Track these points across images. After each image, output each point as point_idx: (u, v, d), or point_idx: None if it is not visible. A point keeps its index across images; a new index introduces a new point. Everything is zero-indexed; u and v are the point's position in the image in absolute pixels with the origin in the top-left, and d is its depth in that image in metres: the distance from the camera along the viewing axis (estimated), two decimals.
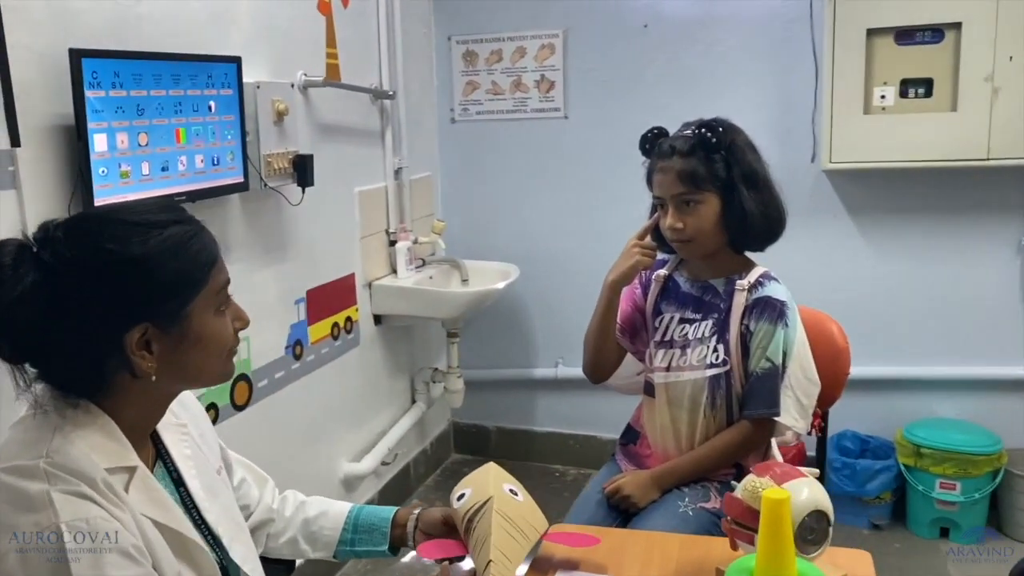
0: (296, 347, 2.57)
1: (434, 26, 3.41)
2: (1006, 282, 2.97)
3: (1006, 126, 2.67)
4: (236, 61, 2.12)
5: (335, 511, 1.44)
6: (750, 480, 1.21)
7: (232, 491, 1.32)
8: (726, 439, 1.75)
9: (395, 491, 3.22)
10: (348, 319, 2.86)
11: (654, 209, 1.83)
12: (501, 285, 3.05)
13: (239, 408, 2.31)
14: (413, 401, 3.37)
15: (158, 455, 1.19)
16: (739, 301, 1.75)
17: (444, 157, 3.53)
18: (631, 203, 3.21)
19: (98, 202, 1.72)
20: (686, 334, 1.79)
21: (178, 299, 1.05)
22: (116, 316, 1.03)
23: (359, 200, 2.89)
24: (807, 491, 1.20)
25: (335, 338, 2.78)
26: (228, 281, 1.14)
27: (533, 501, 1.36)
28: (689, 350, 1.78)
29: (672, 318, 1.83)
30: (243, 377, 2.32)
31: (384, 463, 3.06)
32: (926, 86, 2.77)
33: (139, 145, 1.84)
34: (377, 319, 3.05)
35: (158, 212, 1.11)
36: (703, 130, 1.73)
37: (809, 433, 1.87)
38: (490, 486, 1.31)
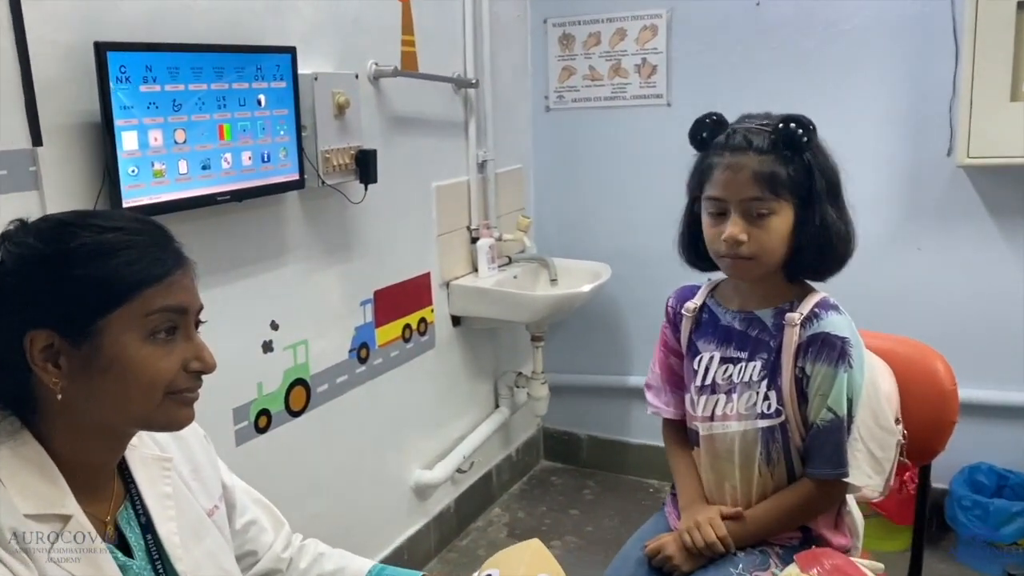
0: (361, 350, 2.45)
1: (529, 8, 3.21)
2: None
3: None
4: (290, 51, 2.00)
5: (354, 570, 1.28)
6: (791, 572, 0.96)
7: (228, 536, 1.19)
8: (788, 500, 1.47)
9: (474, 499, 3.08)
10: (422, 320, 2.72)
11: (689, 214, 1.56)
12: (587, 288, 2.84)
13: (295, 414, 2.21)
14: (496, 406, 3.21)
15: (127, 494, 1.07)
16: (791, 338, 1.45)
17: (537, 148, 3.33)
18: None
19: (127, 203, 1.64)
20: (730, 376, 1.51)
21: (87, 310, 0.93)
22: (20, 315, 0.93)
23: (436, 195, 2.74)
24: None
25: (406, 340, 2.64)
26: (176, 308, 0.98)
27: None
28: (736, 395, 1.50)
29: (712, 358, 1.54)
30: (300, 382, 2.22)
31: (460, 471, 2.91)
32: None
33: (175, 143, 1.74)
34: (456, 320, 2.90)
35: (118, 221, 1.00)
36: (792, 124, 1.42)
37: (902, 488, 1.56)
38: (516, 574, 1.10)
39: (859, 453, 1.42)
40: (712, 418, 1.54)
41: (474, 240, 2.92)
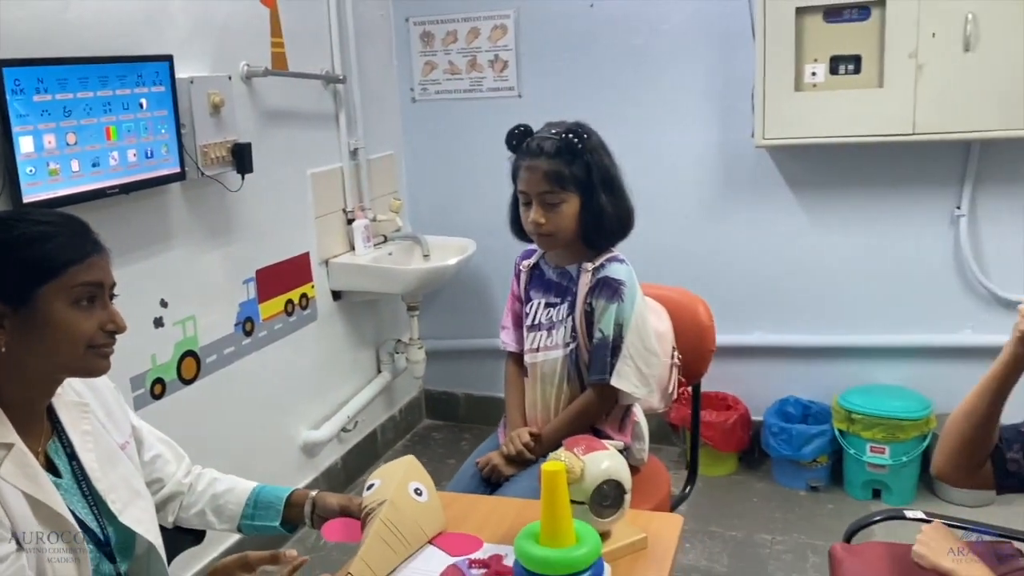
0: (246, 324, 2.74)
1: (391, 8, 3.52)
2: (940, 252, 3.04)
3: (930, 102, 2.73)
4: (167, 59, 2.27)
5: (241, 488, 1.59)
6: (558, 453, 1.35)
7: (138, 464, 1.48)
8: (575, 407, 1.91)
9: (360, 455, 3.41)
10: (304, 296, 3.02)
11: (514, 200, 1.96)
12: (453, 261, 3.19)
13: (187, 382, 2.49)
14: (379, 371, 3.54)
15: (55, 431, 1.36)
16: (584, 281, 1.90)
17: (406, 136, 3.65)
18: None
19: (27, 199, 1.89)
20: (551, 317, 1.94)
21: (26, 283, 1.21)
22: None
23: (312, 181, 3.04)
24: (606, 463, 1.34)
25: (289, 314, 2.95)
26: (95, 283, 1.28)
27: (438, 501, 1.48)
28: (554, 331, 1.93)
29: (539, 303, 1.98)
30: (190, 353, 2.50)
31: (345, 430, 3.24)
32: (855, 63, 2.83)
33: (67, 144, 2.00)
34: (336, 295, 3.21)
35: (46, 216, 1.30)
36: (569, 135, 1.85)
37: (676, 401, 2.00)
38: (393, 485, 1.41)
39: (627, 368, 1.85)
40: (537, 350, 1.96)
41: (350, 221, 3.23)
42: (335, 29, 3.12)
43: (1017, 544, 1.51)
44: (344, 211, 3.24)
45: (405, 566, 1.37)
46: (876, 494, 3.06)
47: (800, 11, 2.82)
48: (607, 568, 1.25)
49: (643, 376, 1.87)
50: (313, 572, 1.41)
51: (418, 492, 1.44)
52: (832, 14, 2.81)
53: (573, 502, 1.26)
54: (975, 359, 3.06)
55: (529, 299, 2.02)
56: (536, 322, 1.98)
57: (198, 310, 2.52)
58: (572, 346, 1.92)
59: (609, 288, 1.87)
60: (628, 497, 1.36)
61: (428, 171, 3.67)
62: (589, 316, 1.89)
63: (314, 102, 3.07)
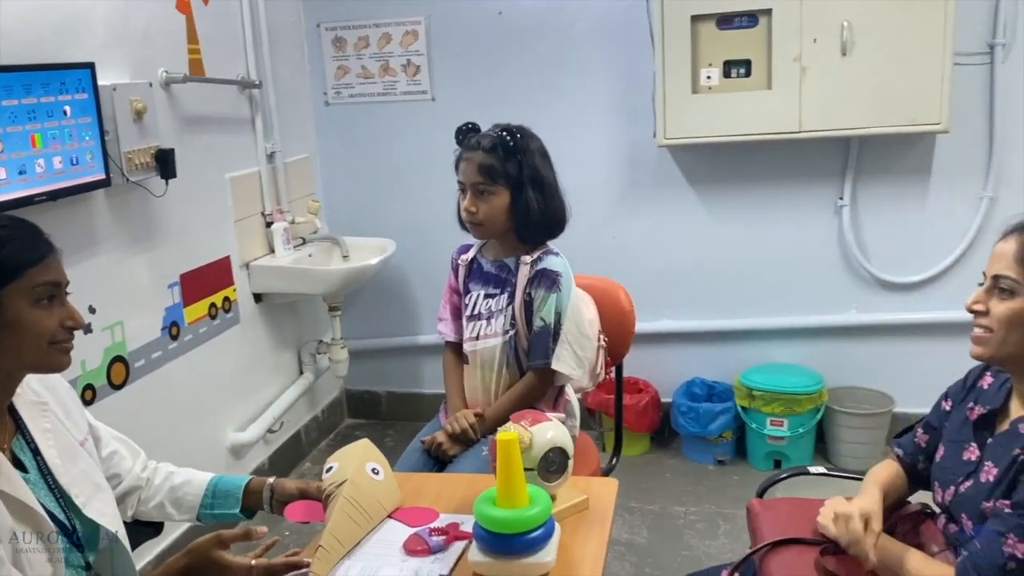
0: (172, 328, 2.76)
1: (303, 14, 3.57)
2: (826, 240, 3.32)
3: (813, 102, 2.99)
4: (89, 67, 2.28)
5: (198, 480, 1.65)
6: (507, 426, 1.48)
7: (97, 460, 1.53)
8: (517, 390, 2.06)
9: (286, 456, 3.45)
10: (226, 299, 3.05)
11: (462, 189, 2.09)
12: (375, 261, 3.28)
13: (117, 387, 2.50)
14: (301, 372, 3.59)
15: (18, 429, 1.40)
16: (524, 273, 2.06)
17: (321, 139, 3.71)
18: None
19: None
20: (490, 307, 2.09)
21: None
22: None
23: (231, 185, 3.07)
24: (551, 433, 1.48)
25: (213, 317, 2.97)
26: (55, 283, 1.33)
27: (394, 479, 1.60)
28: (493, 320, 2.08)
29: (478, 295, 2.12)
30: (119, 358, 2.51)
31: (271, 431, 3.28)
32: (745, 67, 3.06)
33: None
34: (258, 297, 3.25)
35: (5, 219, 1.35)
36: (505, 134, 2.01)
37: (605, 380, 2.16)
38: (352, 466, 1.51)
39: (565, 352, 2.02)
40: (477, 338, 2.10)
41: (269, 224, 3.27)
42: (249, 35, 3.16)
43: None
44: (263, 214, 3.27)
45: (369, 538, 1.47)
46: (777, 464, 3.31)
47: (695, 19, 3.03)
48: (557, 526, 1.39)
49: (579, 359, 2.04)
50: (276, 551, 1.50)
51: (375, 471, 1.54)
52: (724, 22, 3.04)
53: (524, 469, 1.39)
54: (861, 337, 3.39)
55: (468, 291, 2.15)
56: (476, 312, 2.11)
57: (126, 315, 2.53)
58: (511, 333, 2.06)
59: (548, 279, 2.02)
60: (571, 463, 1.50)
61: (343, 173, 3.74)
62: (528, 305, 2.04)
63: (231, 107, 3.11)
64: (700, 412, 3.32)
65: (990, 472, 1.39)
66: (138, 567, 1.61)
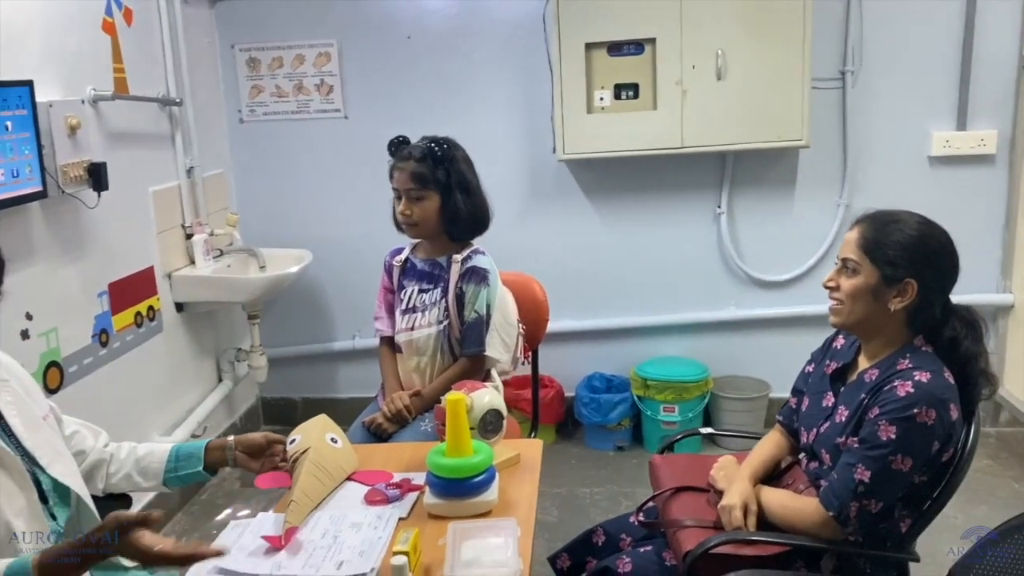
0: (102, 335, 2.86)
1: (217, 36, 3.72)
2: (707, 243, 3.71)
3: (693, 121, 3.37)
4: (28, 84, 2.39)
5: (160, 448, 1.81)
6: (449, 393, 1.72)
7: (59, 434, 1.67)
8: (452, 373, 2.31)
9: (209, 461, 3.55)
10: (150, 308, 3.16)
11: (397, 195, 2.34)
12: (294, 269, 3.45)
13: (52, 391, 2.59)
14: (220, 380, 3.71)
15: None
16: (455, 270, 2.33)
17: (235, 155, 3.85)
18: None
19: None
20: (424, 301, 2.35)
21: None
22: None
23: (154, 199, 3.19)
24: (488, 397, 1.74)
25: (139, 326, 3.08)
26: None
27: (350, 446, 1.82)
28: (427, 312, 2.34)
29: (413, 290, 2.38)
30: (54, 364, 2.60)
31: (194, 436, 3.39)
32: (634, 90, 3.42)
33: None
34: (180, 306, 3.36)
35: None
36: (433, 144, 2.29)
37: (524, 363, 2.44)
38: (313, 436, 1.73)
39: (495, 339, 2.30)
40: (413, 329, 2.35)
41: (189, 236, 3.39)
42: (169, 55, 3.30)
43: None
44: (183, 226, 3.39)
45: (333, 496, 1.69)
46: (671, 448, 3.64)
47: (589, 46, 3.37)
48: (497, 476, 1.64)
49: (505, 344, 2.33)
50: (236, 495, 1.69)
51: (333, 440, 1.77)
52: (614, 49, 3.39)
53: None
54: (740, 329, 3.79)
55: (403, 287, 2.40)
56: (411, 306, 2.37)
57: (60, 322, 2.63)
58: (444, 324, 2.31)
59: (477, 275, 2.31)
60: (505, 423, 1.76)
61: (259, 188, 3.88)
62: (460, 299, 2.30)
63: (153, 124, 3.23)
64: (601, 403, 3.63)
65: (842, 414, 1.72)
66: None
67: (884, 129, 3.51)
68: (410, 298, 2.37)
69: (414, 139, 2.38)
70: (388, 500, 1.64)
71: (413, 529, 1.42)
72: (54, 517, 1.55)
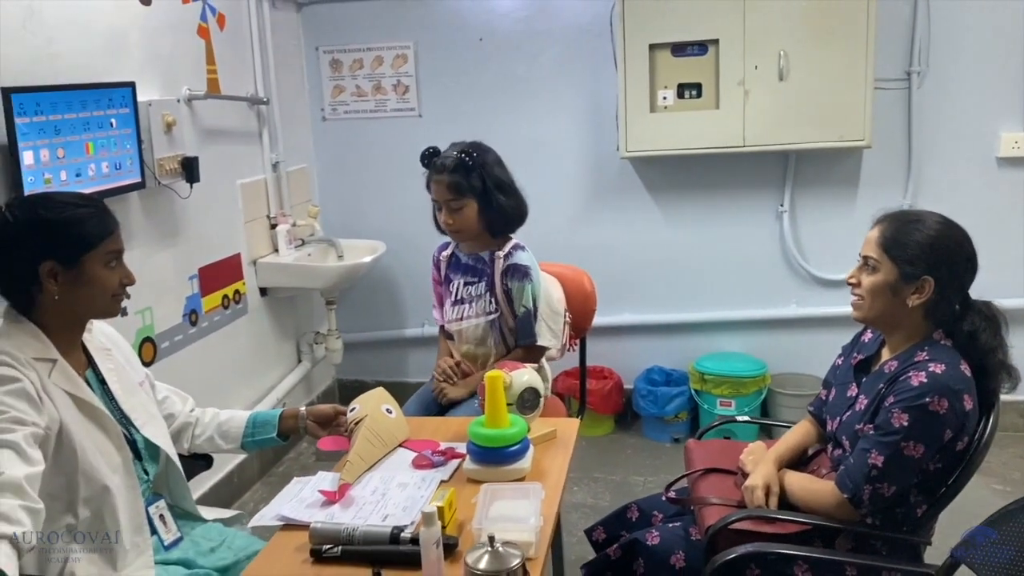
0: (191, 315, 3.13)
1: (303, 38, 3.97)
2: (769, 242, 3.76)
3: (755, 120, 3.43)
4: (130, 86, 2.66)
5: (240, 415, 2.05)
6: (494, 371, 1.87)
7: (153, 399, 1.90)
8: (513, 359, 2.42)
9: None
10: (236, 291, 3.42)
11: (436, 205, 2.51)
12: (368, 259, 3.67)
13: (146, 364, 2.84)
14: (299, 360, 3.96)
15: (89, 364, 1.77)
16: (499, 267, 2.49)
17: (318, 151, 4.10)
18: None
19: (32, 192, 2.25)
20: (470, 292, 2.52)
21: (76, 250, 1.63)
22: (36, 252, 1.61)
23: (241, 191, 3.45)
24: (527, 376, 1.88)
25: (225, 308, 3.34)
26: (120, 250, 1.72)
27: (402, 417, 2.02)
28: (474, 303, 2.52)
29: (459, 283, 2.56)
30: (148, 339, 2.87)
31: None
32: (697, 89, 3.50)
33: (58, 158, 2.37)
34: (263, 291, 3.62)
35: (80, 199, 1.73)
36: (463, 155, 2.44)
37: (571, 350, 2.58)
38: (371, 406, 1.94)
39: (543, 327, 2.46)
40: (462, 319, 2.52)
41: (273, 226, 3.65)
42: (258, 57, 3.55)
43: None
44: (268, 217, 3.65)
45: (385, 460, 1.87)
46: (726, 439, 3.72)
47: (653, 47, 3.47)
48: (531, 448, 1.79)
49: (553, 332, 2.50)
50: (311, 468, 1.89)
51: (388, 411, 1.95)
52: (678, 50, 3.48)
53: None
54: (800, 327, 3.83)
55: (450, 280, 2.57)
56: (459, 297, 2.55)
57: (154, 302, 2.90)
58: (495, 315, 2.49)
59: (519, 272, 2.45)
60: (543, 401, 1.91)
61: (337, 182, 4.12)
62: (508, 295, 2.47)
63: (242, 121, 3.49)
64: (658, 395, 3.73)
65: (862, 403, 1.80)
66: (195, 495, 1.98)
67: (950, 130, 3.50)
68: (457, 290, 2.55)
69: (449, 146, 2.51)
70: (433, 465, 1.81)
71: (450, 489, 1.58)
72: (146, 472, 1.78)
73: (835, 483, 1.75)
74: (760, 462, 1.91)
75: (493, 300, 2.47)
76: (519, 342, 2.48)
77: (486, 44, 3.82)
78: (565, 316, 2.58)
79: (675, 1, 3.39)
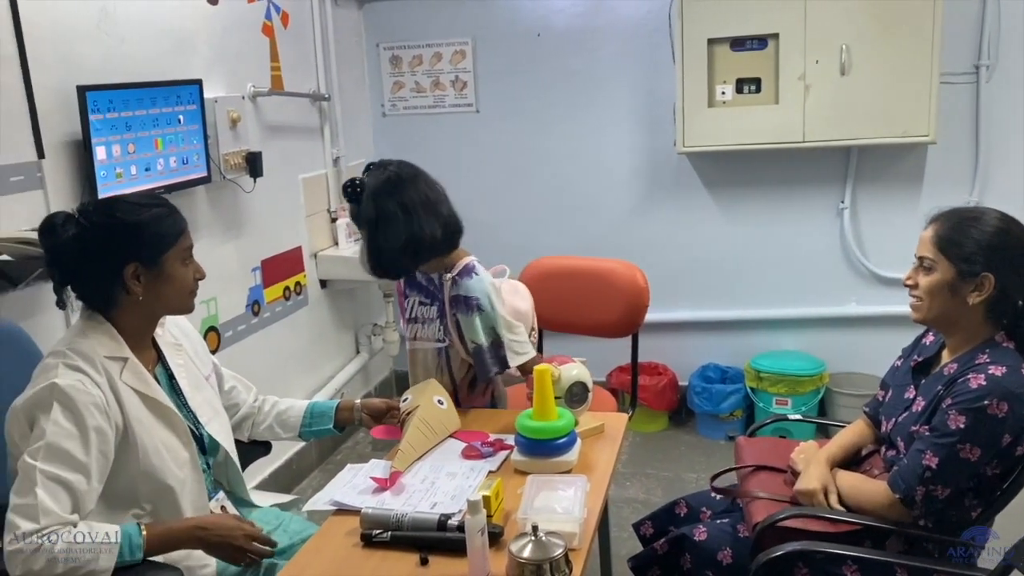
0: (254, 306, 3.22)
1: (364, 35, 4.04)
2: (828, 239, 3.70)
3: (815, 115, 3.38)
4: (198, 83, 2.75)
5: (299, 405, 2.10)
6: (542, 365, 1.89)
7: (218, 393, 1.96)
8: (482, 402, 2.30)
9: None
10: (297, 283, 3.51)
11: None
12: None
13: (211, 353, 2.93)
14: (357, 352, 4.04)
15: (159, 360, 1.84)
16: (447, 292, 2.19)
17: (378, 146, 4.17)
18: (533, 180, 3.96)
19: (101, 197, 2.35)
20: (424, 314, 2.27)
21: (157, 250, 1.68)
22: (120, 255, 1.66)
23: (303, 185, 3.54)
24: (576, 370, 1.90)
25: (287, 299, 3.43)
26: (191, 246, 1.77)
27: (454, 408, 2.03)
28: (427, 325, 2.27)
29: (415, 300, 2.29)
30: (212, 328, 2.97)
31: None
32: (756, 84, 3.46)
33: (128, 153, 2.47)
34: (323, 283, 3.71)
35: (152, 199, 1.77)
36: (347, 186, 2.16)
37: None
38: (423, 397, 1.97)
39: (512, 351, 2.12)
40: (415, 339, 2.30)
41: (334, 220, 3.73)
42: (320, 54, 3.63)
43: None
44: (328, 211, 3.74)
45: (436, 449, 1.91)
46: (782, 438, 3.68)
47: (711, 42, 3.44)
48: (578, 441, 1.81)
49: (520, 345, 2.17)
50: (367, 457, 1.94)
51: (440, 402, 1.98)
52: (737, 44, 3.45)
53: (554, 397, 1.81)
54: (859, 326, 3.76)
55: (407, 296, 2.31)
56: (413, 316, 2.30)
57: (219, 292, 3.00)
58: (444, 344, 2.22)
59: (466, 304, 2.13)
60: (591, 395, 1.92)
61: None
62: (459, 326, 2.17)
63: (304, 117, 3.58)
64: (713, 392, 3.70)
65: (919, 404, 1.77)
66: (255, 481, 2.05)
67: (1021, 125, 3.39)
68: (412, 308, 2.29)
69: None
70: (482, 456, 1.84)
71: (497, 479, 1.61)
72: (207, 466, 1.84)
73: (887, 483, 1.73)
74: (811, 462, 1.90)
75: (442, 327, 2.21)
76: (478, 379, 2.21)
77: (544, 39, 3.83)
78: (531, 335, 2.29)
79: None
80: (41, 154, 2.24)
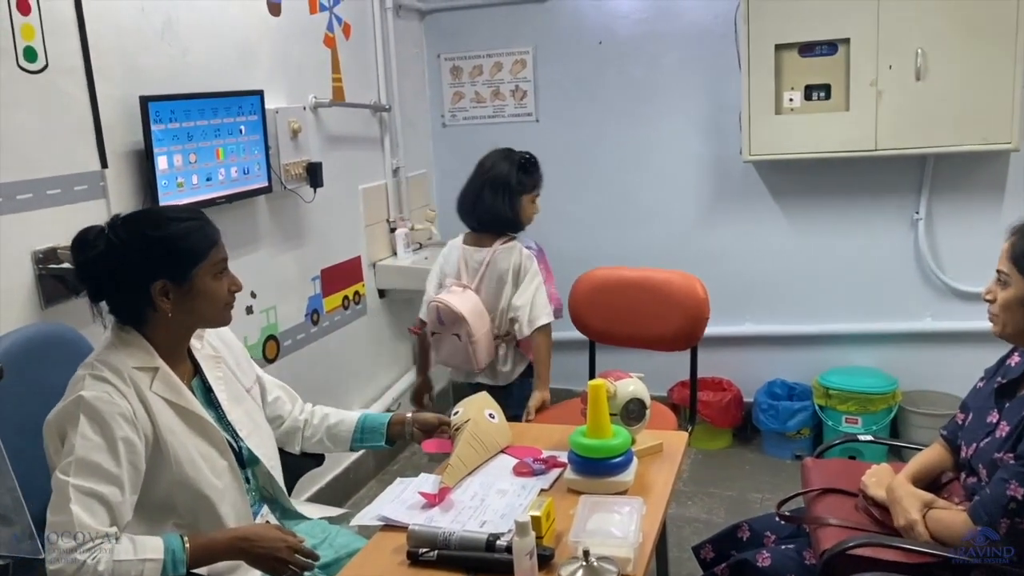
0: (313, 315, 3.23)
1: (425, 46, 4.04)
2: (902, 251, 3.55)
3: (888, 122, 3.24)
4: (259, 94, 2.77)
5: (349, 418, 2.05)
6: (597, 380, 1.83)
7: (260, 405, 1.93)
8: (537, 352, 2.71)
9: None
10: (356, 293, 3.52)
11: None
12: None
13: (270, 361, 2.97)
14: (415, 362, 4.02)
15: (196, 373, 1.81)
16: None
17: (438, 156, 4.16)
18: (592, 190, 3.90)
19: (132, 211, 2.37)
20: None
21: (185, 265, 1.64)
22: (147, 272, 1.62)
23: (363, 195, 3.54)
24: (632, 386, 1.83)
25: (346, 308, 3.44)
26: (225, 259, 1.72)
27: (505, 423, 2.00)
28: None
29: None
30: (272, 337, 2.98)
31: (389, 411, 3.72)
32: (825, 90, 3.34)
33: (190, 163, 2.50)
34: (381, 293, 3.70)
35: (182, 212, 1.74)
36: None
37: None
38: (473, 410, 1.94)
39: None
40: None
41: (392, 230, 3.73)
42: (381, 65, 3.64)
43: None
44: (388, 221, 3.74)
45: (486, 465, 1.86)
46: (852, 459, 3.53)
47: (779, 47, 3.34)
48: (635, 460, 1.74)
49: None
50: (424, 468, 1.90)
51: (491, 416, 1.93)
52: (805, 49, 3.33)
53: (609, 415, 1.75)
54: (935, 343, 3.59)
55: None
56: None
57: (278, 301, 3.01)
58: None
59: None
60: (649, 412, 1.85)
61: (456, 186, 4.13)
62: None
63: (364, 128, 3.59)
64: (780, 409, 3.58)
65: (1003, 430, 1.66)
66: (311, 490, 2.01)
67: None
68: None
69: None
70: (533, 473, 1.79)
71: (548, 498, 1.55)
72: (248, 480, 1.81)
73: (968, 513, 1.61)
74: (902, 493, 1.76)
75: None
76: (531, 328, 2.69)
77: (605, 47, 3.78)
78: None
79: (803, 0, 3.25)
80: (104, 164, 2.27)
